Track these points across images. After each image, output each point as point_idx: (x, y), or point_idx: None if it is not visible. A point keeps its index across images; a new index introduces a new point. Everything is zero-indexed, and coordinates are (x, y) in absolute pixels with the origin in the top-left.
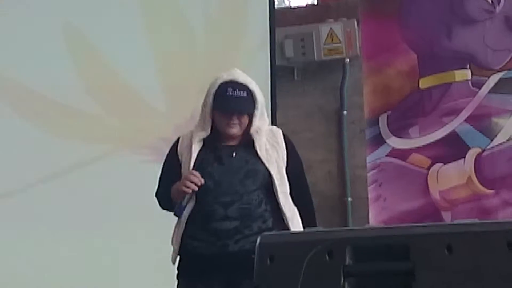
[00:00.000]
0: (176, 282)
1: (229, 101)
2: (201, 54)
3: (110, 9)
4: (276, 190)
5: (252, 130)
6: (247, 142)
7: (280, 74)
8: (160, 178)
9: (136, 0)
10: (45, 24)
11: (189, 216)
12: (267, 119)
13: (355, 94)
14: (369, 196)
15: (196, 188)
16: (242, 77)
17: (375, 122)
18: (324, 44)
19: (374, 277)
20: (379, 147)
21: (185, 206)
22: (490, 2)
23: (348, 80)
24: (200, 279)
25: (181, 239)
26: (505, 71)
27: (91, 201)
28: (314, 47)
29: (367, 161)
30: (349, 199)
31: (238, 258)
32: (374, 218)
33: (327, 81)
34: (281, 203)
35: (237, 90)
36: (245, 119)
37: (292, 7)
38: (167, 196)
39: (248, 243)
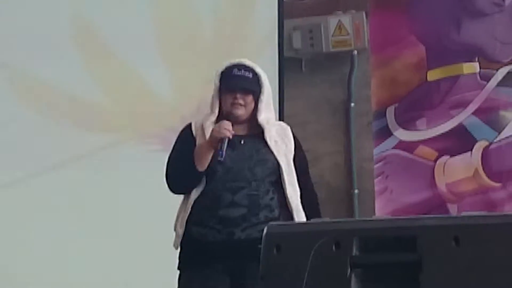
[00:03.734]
0: (178, 272)
1: (234, 78)
2: (209, 45)
3: None
4: (284, 180)
5: (262, 120)
6: (256, 133)
7: (288, 66)
8: (173, 155)
9: None
10: (52, 15)
11: (195, 201)
12: (273, 111)
13: (363, 86)
14: (376, 188)
15: (231, 135)
16: (249, 62)
17: (382, 114)
18: (332, 36)
19: (381, 268)
20: (386, 139)
21: (225, 151)
22: None
23: (356, 72)
24: (204, 267)
25: (186, 225)
26: None
27: (99, 190)
28: (323, 39)
29: (374, 153)
30: (356, 191)
31: (244, 246)
32: (381, 210)
33: (335, 73)
34: (288, 194)
35: (242, 70)
36: (250, 101)
37: None
38: (185, 167)
39: (255, 232)
